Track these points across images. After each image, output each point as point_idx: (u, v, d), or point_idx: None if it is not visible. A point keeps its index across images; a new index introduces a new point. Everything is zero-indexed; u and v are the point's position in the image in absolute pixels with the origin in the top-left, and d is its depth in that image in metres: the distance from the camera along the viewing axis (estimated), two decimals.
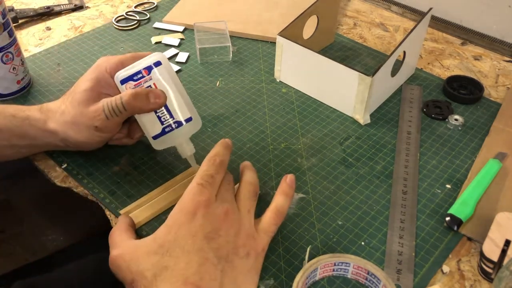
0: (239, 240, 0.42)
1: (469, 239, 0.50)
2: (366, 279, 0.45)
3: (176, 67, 0.73)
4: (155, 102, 0.49)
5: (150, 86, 0.50)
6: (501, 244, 0.46)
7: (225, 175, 0.46)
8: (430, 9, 0.67)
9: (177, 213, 0.42)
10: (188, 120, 0.51)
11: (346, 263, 0.45)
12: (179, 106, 0.51)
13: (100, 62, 0.53)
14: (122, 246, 0.43)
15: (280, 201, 0.47)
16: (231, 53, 0.76)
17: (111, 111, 0.49)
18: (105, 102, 0.50)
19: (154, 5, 0.90)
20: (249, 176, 0.49)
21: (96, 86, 0.51)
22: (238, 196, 0.46)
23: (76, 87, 0.52)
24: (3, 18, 0.62)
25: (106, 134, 0.52)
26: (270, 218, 0.46)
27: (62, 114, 0.52)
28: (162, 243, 0.41)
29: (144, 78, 0.50)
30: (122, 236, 0.45)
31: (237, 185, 0.49)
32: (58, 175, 0.57)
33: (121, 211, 0.51)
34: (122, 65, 0.52)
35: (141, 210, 0.51)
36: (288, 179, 0.48)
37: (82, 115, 0.50)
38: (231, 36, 0.81)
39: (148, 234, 0.46)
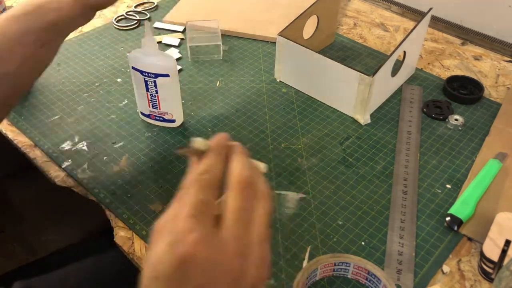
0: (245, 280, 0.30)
1: (469, 239, 0.50)
2: (366, 279, 0.45)
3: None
4: None
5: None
6: (501, 244, 0.46)
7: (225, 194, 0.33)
8: (430, 9, 0.67)
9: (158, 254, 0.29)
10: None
11: (346, 263, 0.45)
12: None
13: None
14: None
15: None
16: (221, 51, 0.75)
17: None
18: None
19: (154, 5, 0.90)
20: (240, 167, 0.35)
21: None
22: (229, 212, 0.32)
23: None
24: None
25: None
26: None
27: None
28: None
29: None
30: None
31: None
32: (58, 175, 0.57)
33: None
34: None
35: None
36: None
37: None
38: (231, 36, 0.81)
39: None
